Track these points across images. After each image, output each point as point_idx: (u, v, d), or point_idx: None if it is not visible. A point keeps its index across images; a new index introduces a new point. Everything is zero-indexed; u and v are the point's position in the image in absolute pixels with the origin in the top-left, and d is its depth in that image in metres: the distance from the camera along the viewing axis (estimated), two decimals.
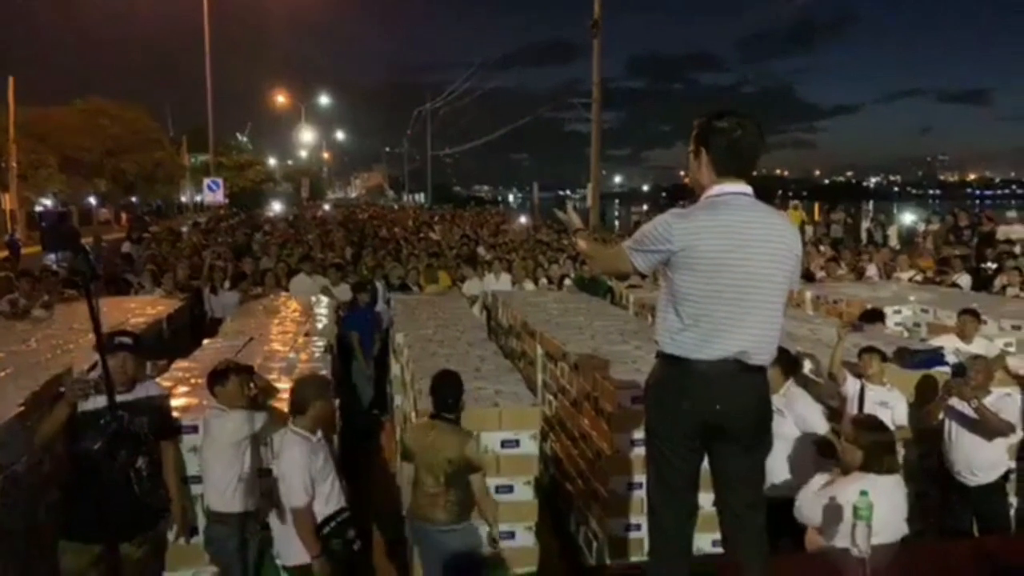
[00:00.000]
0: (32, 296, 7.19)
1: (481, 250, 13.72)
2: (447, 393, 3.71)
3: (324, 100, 64.65)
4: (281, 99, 50.92)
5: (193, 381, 4.52)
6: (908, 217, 19.50)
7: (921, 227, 16.67)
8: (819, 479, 3.37)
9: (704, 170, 2.46)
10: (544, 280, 10.17)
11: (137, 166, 37.87)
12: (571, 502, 4.83)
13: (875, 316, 6.41)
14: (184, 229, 21.33)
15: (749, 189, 2.45)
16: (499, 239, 16.71)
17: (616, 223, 34.86)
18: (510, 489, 3.97)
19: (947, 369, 4.73)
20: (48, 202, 35.88)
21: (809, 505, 3.28)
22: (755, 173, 2.48)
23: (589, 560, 4.40)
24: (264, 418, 3.76)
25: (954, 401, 4.30)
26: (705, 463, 2.55)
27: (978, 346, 5.47)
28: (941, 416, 4.41)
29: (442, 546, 3.59)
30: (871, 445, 3.18)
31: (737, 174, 2.44)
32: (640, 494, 4.09)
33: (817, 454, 4.19)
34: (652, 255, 2.43)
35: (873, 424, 3.37)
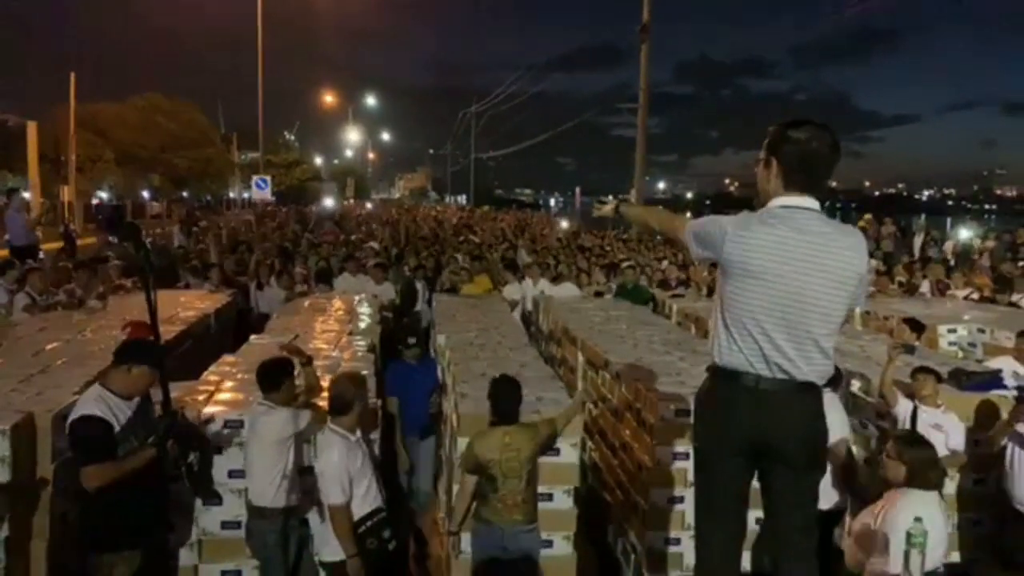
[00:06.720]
0: (88, 287, 7.41)
1: (523, 253, 13.70)
2: (511, 398, 3.78)
3: (371, 101, 65.69)
4: (329, 99, 51.63)
5: (240, 376, 4.60)
6: (964, 233, 18.81)
7: (977, 243, 16.14)
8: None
9: (772, 180, 2.39)
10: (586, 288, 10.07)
11: (189, 162, 38.87)
12: (609, 513, 4.77)
13: (916, 327, 6.25)
14: (233, 225, 21.75)
15: (815, 204, 2.36)
16: (539, 244, 16.66)
17: None
18: (550, 498, 3.94)
19: (1007, 393, 4.54)
20: (104, 195, 37.05)
21: (858, 524, 3.21)
22: (833, 183, 2.40)
23: (627, 573, 4.34)
24: (309, 416, 3.80)
25: (1020, 427, 4.13)
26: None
27: None
28: (1004, 443, 4.24)
29: (525, 544, 3.66)
30: (914, 461, 3.13)
31: (805, 188, 2.35)
32: (681, 508, 4.02)
33: (838, 475, 4.08)
34: (703, 249, 2.45)
35: (916, 439, 3.36)
